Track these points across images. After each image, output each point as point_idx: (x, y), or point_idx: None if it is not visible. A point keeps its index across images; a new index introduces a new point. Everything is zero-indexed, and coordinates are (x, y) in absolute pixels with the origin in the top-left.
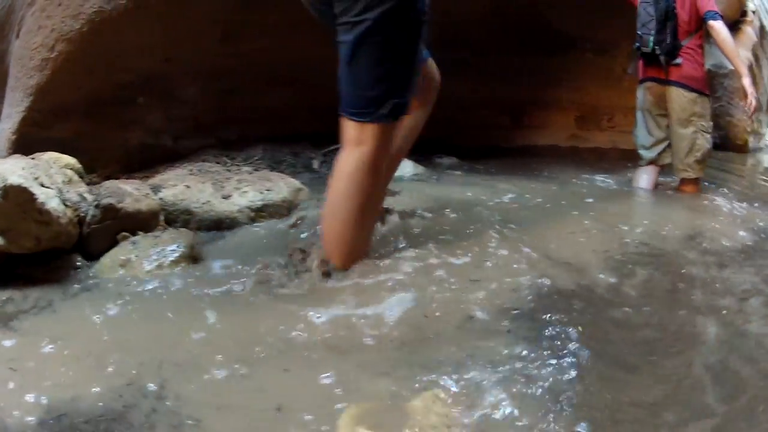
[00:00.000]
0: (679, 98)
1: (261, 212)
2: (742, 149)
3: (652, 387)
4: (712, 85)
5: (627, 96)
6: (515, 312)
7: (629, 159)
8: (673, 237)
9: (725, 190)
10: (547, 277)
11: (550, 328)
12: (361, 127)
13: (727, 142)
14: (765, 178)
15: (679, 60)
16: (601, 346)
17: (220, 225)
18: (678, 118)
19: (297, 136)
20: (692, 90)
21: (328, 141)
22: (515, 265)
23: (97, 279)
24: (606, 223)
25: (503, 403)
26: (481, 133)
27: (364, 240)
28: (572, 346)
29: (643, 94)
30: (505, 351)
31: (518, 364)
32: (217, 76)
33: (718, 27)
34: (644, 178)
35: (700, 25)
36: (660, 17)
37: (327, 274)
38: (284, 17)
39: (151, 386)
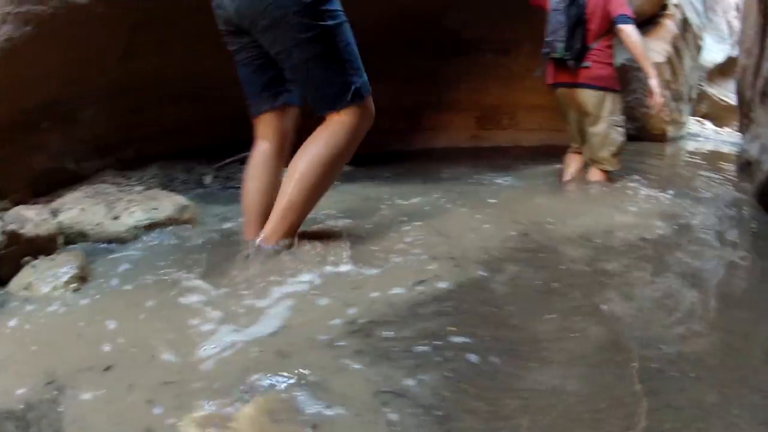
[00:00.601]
0: (588, 98)
1: (148, 230)
2: (661, 139)
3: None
4: (627, 78)
5: (529, 94)
6: (380, 324)
7: (530, 156)
8: (571, 231)
9: (638, 178)
10: (431, 280)
11: (402, 346)
12: (338, 113)
13: (645, 133)
14: (685, 166)
15: (587, 63)
16: (456, 364)
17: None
18: (590, 117)
19: (192, 151)
20: (600, 88)
21: (222, 154)
22: (401, 270)
23: (8, 302)
24: (502, 220)
25: (326, 420)
26: (378, 138)
27: (307, 212)
28: (422, 370)
29: (560, 100)
30: (352, 366)
31: (356, 382)
32: (116, 96)
33: (628, 30)
34: (572, 165)
35: (609, 27)
36: (571, 24)
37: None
38: (178, 34)
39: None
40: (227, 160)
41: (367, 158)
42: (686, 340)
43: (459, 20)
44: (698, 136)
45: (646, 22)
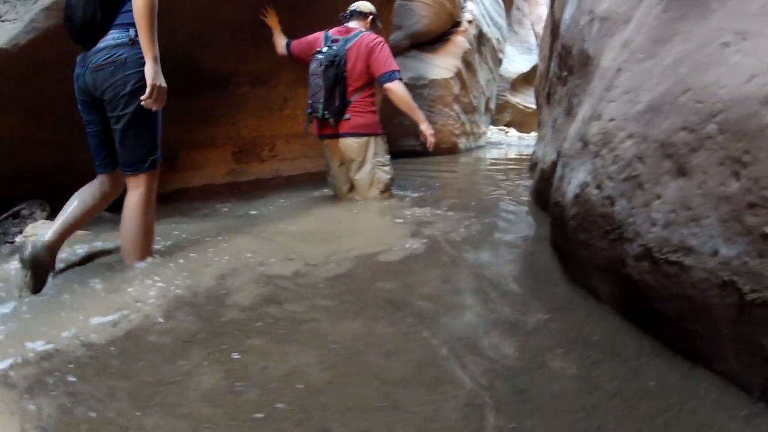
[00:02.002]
0: (350, 146)
1: None
2: (452, 151)
3: None
4: (413, 96)
5: (288, 123)
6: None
7: (289, 185)
8: (276, 270)
9: (414, 195)
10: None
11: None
12: (136, 177)
13: (435, 147)
14: (475, 174)
15: (347, 115)
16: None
17: None
18: (354, 162)
19: None
20: (362, 135)
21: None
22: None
23: None
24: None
25: None
26: None
27: (149, 243)
28: None
29: (325, 150)
30: None
31: None
32: None
33: (393, 88)
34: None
35: (370, 79)
36: (329, 86)
37: None
38: None
39: None
40: (3, 216)
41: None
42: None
43: (209, 56)
44: (500, 143)
45: (437, 40)
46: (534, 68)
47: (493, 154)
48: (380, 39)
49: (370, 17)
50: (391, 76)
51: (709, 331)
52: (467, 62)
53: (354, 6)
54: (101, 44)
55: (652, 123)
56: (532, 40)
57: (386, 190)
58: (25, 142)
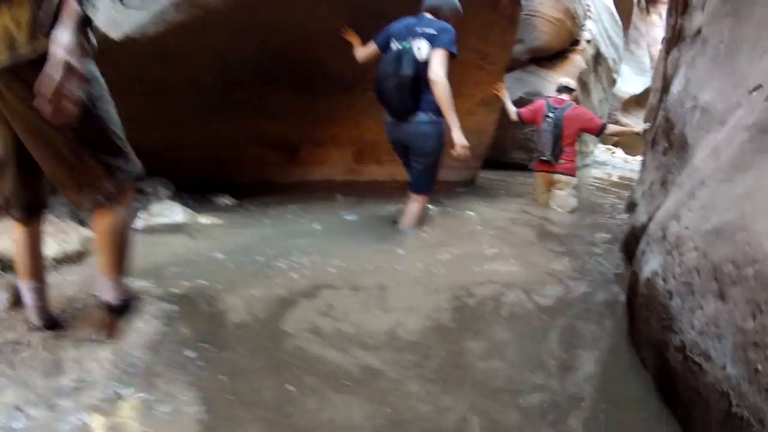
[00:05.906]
0: (561, 179)
1: (59, 262)
2: None
3: None
4: None
5: None
6: None
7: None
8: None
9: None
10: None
11: None
12: (417, 195)
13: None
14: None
15: (561, 160)
16: None
17: None
18: (559, 188)
19: None
20: (567, 174)
21: None
22: None
23: None
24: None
25: None
26: (256, 170)
27: (423, 221)
28: None
29: (537, 178)
30: None
31: None
32: None
33: (607, 131)
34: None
35: (575, 139)
36: (555, 140)
37: None
38: None
39: None
40: None
41: (246, 188)
42: None
43: (337, 61)
44: (606, 163)
45: (555, 56)
46: (646, 90)
47: (597, 173)
48: (586, 110)
49: (575, 92)
50: (603, 126)
51: (704, 425)
52: (582, 82)
53: (564, 82)
54: (415, 119)
55: (713, 245)
56: (647, 61)
57: (572, 211)
58: (141, 122)
